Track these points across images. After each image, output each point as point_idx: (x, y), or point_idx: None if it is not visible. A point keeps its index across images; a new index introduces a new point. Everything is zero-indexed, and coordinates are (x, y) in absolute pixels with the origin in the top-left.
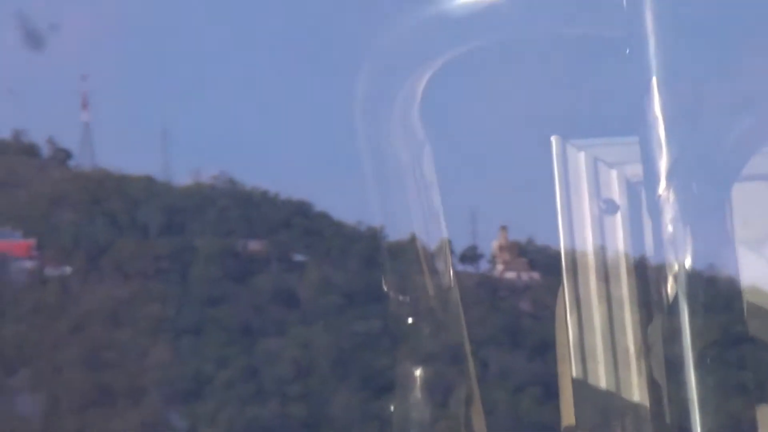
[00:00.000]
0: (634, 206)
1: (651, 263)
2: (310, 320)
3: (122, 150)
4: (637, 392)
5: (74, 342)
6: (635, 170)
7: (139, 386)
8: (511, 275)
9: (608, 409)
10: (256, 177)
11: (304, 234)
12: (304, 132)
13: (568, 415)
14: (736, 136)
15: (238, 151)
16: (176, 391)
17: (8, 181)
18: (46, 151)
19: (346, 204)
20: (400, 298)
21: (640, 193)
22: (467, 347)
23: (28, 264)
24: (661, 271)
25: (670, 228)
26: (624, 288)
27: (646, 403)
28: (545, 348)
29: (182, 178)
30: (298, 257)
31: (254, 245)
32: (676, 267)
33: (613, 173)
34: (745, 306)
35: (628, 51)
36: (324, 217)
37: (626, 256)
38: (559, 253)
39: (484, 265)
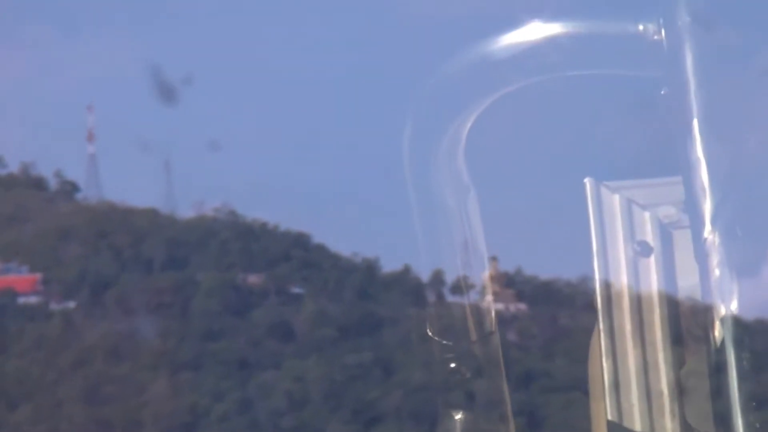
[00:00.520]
0: (667, 248)
1: (685, 306)
2: (304, 353)
3: (127, 181)
4: None
5: (76, 376)
6: (668, 212)
7: (138, 420)
8: (498, 306)
9: None
10: (256, 209)
11: (302, 266)
12: (305, 165)
13: None
14: None
15: (239, 182)
16: (173, 425)
17: (16, 216)
18: (53, 183)
19: (342, 235)
20: (444, 342)
21: (673, 235)
22: (506, 391)
23: (33, 299)
24: (707, 314)
25: (716, 272)
26: (657, 330)
27: None
28: (530, 379)
29: (185, 210)
30: (296, 290)
31: (253, 278)
32: (723, 311)
33: (647, 215)
34: None
35: (663, 91)
36: (321, 249)
37: (660, 298)
38: (546, 284)
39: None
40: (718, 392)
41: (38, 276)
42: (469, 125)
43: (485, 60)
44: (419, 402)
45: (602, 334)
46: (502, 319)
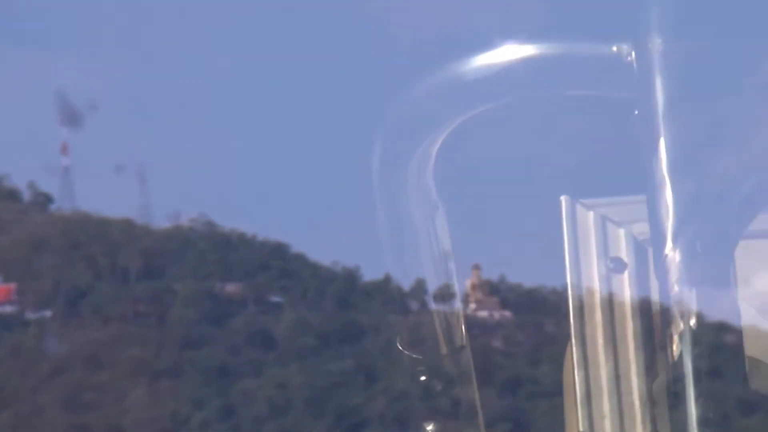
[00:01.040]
0: (641, 265)
1: (657, 322)
2: (285, 361)
3: (101, 192)
4: None
5: (54, 384)
6: (642, 228)
7: (118, 428)
8: (483, 314)
9: None
10: (233, 219)
11: (281, 276)
12: (284, 174)
13: None
14: (741, 196)
15: (216, 192)
16: None
17: None
18: (27, 195)
19: (321, 244)
20: (413, 356)
21: (647, 252)
22: (478, 403)
23: (8, 308)
24: (666, 329)
25: (675, 288)
26: (630, 345)
27: None
28: (517, 384)
29: (161, 221)
30: (275, 299)
31: (231, 288)
32: (681, 326)
33: (621, 231)
34: (747, 363)
35: (636, 112)
36: (300, 258)
37: (633, 314)
38: (531, 291)
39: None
40: (683, 404)
41: (13, 286)
42: (438, 144)
43: (457, 80)
44: (402, 409)
45: (574, 350)
46: (488, 327)
